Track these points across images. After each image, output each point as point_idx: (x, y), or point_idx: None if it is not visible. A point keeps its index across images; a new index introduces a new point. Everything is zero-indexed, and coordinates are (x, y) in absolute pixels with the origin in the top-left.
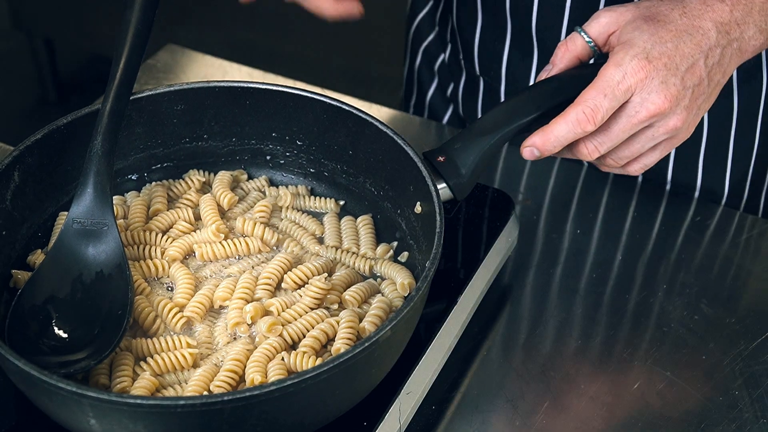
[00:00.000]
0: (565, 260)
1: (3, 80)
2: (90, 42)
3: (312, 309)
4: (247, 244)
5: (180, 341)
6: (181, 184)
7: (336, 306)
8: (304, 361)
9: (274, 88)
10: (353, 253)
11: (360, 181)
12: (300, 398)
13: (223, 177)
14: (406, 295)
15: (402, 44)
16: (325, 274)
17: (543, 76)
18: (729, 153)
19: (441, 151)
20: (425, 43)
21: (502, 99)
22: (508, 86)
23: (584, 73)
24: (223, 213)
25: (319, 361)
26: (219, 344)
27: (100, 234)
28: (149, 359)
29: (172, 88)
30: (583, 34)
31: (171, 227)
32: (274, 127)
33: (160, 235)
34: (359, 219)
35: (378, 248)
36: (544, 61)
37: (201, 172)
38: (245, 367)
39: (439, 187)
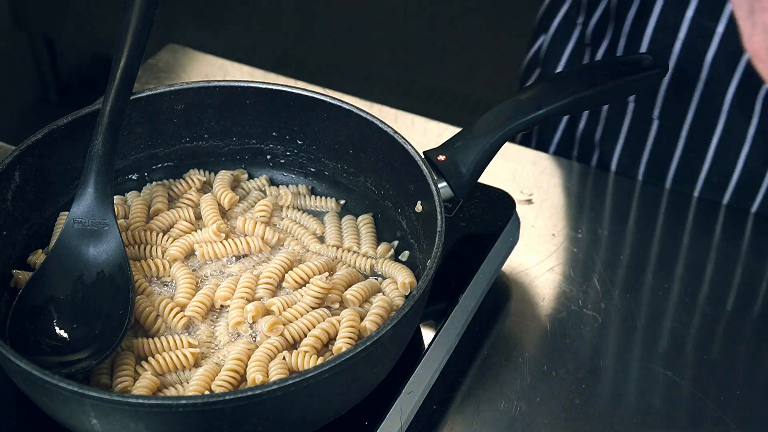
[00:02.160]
0: (567, 260)
1: (3, 80)
2: (91, 42)
3: (313, 308)
4: (247, 243)
5: (181, 341)
6: (181, 184)
7: (337, 305)
8: (305, 360)
9: (275, 87)
10: (354, 252)
11: (360, 180)
12: (301, 398)
13: (223, 176)
14: (407, 294)
15: None
16: (326, 274)
17: None
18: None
19: (442, 149)
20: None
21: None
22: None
23: (585, 74)
24: (223, 212)
25: (320, 361)
26: (220, 344)
27: (101, 234)
28: (150, 359)
29: (172, 88)
30: None
31: (172, 227)
32: (274, 126)
33: (160, 234)
34: (360, 218)
35: (379, 247)
36: None
37: (201, 171)
38: (246, 366)
39: (439, 186)
